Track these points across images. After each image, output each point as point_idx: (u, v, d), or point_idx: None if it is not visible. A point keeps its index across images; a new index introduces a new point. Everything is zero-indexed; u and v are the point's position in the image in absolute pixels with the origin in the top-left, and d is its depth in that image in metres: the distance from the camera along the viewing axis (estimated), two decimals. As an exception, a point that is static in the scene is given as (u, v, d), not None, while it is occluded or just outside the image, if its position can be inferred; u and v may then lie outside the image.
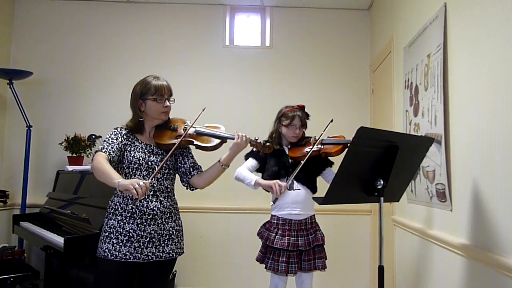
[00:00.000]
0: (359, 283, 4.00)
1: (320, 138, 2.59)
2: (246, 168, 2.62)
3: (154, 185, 2.12)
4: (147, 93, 2.13)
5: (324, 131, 2.56)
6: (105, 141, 2.09)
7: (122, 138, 2.12)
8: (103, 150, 2.02)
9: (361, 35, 4.27)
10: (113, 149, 2.04)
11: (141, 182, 1.80)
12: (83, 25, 4.28)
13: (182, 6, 4.30)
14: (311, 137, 2.70)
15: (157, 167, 2.14)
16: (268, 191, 2.58)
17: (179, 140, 2.13)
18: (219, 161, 2.22)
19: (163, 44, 4.27)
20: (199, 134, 2.22)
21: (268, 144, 2.28)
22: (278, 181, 2.46)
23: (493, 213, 1.75)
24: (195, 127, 2.21)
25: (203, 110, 2.19)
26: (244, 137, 2.19)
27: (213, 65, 4.25)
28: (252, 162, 2.64)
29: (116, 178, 1.85)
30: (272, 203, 2.50)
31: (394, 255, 3.20)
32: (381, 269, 1.88)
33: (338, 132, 2.68)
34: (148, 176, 2.11)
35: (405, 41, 2.96)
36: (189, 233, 3.67)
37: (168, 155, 2.09)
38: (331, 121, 2.54)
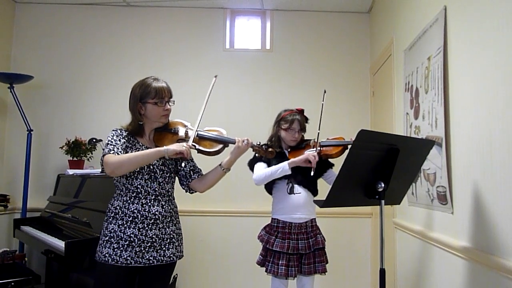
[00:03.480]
0: (360, 286, 3.99)
1: (320, 141, 2.60)
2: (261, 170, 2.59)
3: (156, 189, 2.12)
4: (147, 96, 2.10)
5: (322, 103, 2.59)
6: (108, 144, 2.05)
7: (124, 140, 2.10)
8: (111, 152, 1.99)
9: (361, 38, 4.27)
10: (119, 150, 2.02)
11: (185, 144, 2.04)
12: (84, 29, 4.30)
13: (182, 10, 4.31)
14: (310, 140, 2.70)
15: (159, 171, 2.13)
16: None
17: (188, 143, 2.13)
18: (220, 165, 2.23)
19: (163, 48, 4.27)
20: (201, 139, 2.21)
21: (270, 149, 2.28)
22: (309, 153, 2.48)
23: (494, 215, 1.75)
24: (197, 131, 2.21)
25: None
26: (246, 141, 2.20)
27: (214, 69, 4.25)
28: (262, 165, 2.61)
29: (159, 149, 2.02)
30: (312, 174, 2.46)
31: (395, 258, 3.19)
32: (382, 272, 1.88)
33: (338, 135, 2.69)
34: (150, 180, 2.11)
35: (405, 43, 2.96)
36: (190, 236, 3.68)
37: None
38: (325, 91, 2.61)
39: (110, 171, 1.96)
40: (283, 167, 2.50)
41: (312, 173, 2.47)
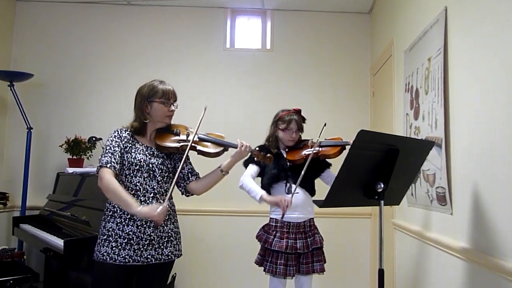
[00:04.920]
0: (359, 286, 3.99)
1: (318, 141, 2.60)
2: (250, 177, 2.59)
3: (154, 187, 2.13)
4: (155, 96, 2.17)
5: (319, 136, 2.59)
6: (107, 150, 2.07)
7: (122, 143, 2.13)
8: (108, 166, 2.01)
9: (362, 38, 4.27)
10: (116, 161, 2.05)
11: (159, 209, 1.92)
12: (84, 28, 4.29)
13: (182, 9, 4.31)
14: (308, 140, 2.71)
15: (158, 169, 2.15)
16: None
17: (187, 145, 2.15)
18: (219, 167, 2.25)
19: (164, 47, 4.27)
20: (202, 140, 2.25)
21: (269, 155, 2.31)
22: (283, 197, 2.45)
23: (493, 216, 1.75)
24: (198, 134, 2.23)
25: (205, 109, 2.21)
26: (246, 147, 2.23)
27: (214, 68, 4.26)
28: (254, 168, 2.63)
29: (135, 207, 1.94)
30: (280, 218, 2.48)
31: (394, 258, 3.19)
32: (381, 273, 1.88)
33: (338, 135, 2.70)
34: (149, 178, 2.12)
35: (405, 44, 2.96)
36: (189, 235, 3.68)
37: (182, 162, 2.13)
38: (325, 125, 2.57)
39: (99, 185, 2.02)
40: (256, 195, 2.50)
41: (280, 218, 2.48)
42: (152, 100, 2.17)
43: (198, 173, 2.34)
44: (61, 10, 4.29)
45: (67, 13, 4.29)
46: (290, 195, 2.53)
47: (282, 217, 2.45)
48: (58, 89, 4.21)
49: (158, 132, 2.24)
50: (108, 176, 1.98)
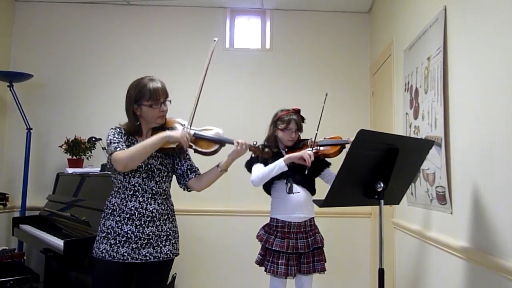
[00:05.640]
0: (359, 285, 3.99)
1: (317, 140, 2.61)
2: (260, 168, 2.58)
3: (153, 187, 2.12)
4: (142, 99, 2.09)
5: (323, 106, 2.62)
6: (112, 142, 2.05)
7: (125, 137, 2.13)
8: (118, 149, 2.01)
9: (361, 38, 4.27)
10: (124, 147, 2.04)
11: (187, 134, 2.09)
12: (83, 28, 4.30)
13: (182, 9, 4.31)
14: (307, 139, 2.70)
15: (157, 170, 2.14)
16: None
17: (184, 146, 2.13)
18: (217, 166, 2.24)
19: (163, 47, 4.27)
20: (198, 139, 2.21)
21: (266, 149, 2.29)
22: (305, 151, 2.50)
23: (493, 215, 1.75)
24: (194, 130, 2.21)
25: (215, 41, 2.37)
26: (244, 144, 2.19)
27: (213, 68, 4.19)
28: (261, 166, 2.59)
29: (163, 133, 2.06)
30: (306, 171, 2.51)
31: (394, 257, 3.19)
32: (381, 272, 1.88)
33: (338, 135, 2.70)
34: (148, 178, 2.11)
35: (405, 43, 2.96)
36: (189, 235, 3.68)
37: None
38: (326, 94, 2.65)
39: (122, 167, 1.99)
40: (279, 164, 2.49)
41: (306, 172, 2.51)
42: (140, 103, 2.10)
43: (198, 169, 2.32)
44: (61, 10, 4.29)
45: (67, 13, 4.29)
46: (291, 194, 2.54)
47: (307, 170, 2.50)
48: (57, 90, 4.22)
49: (154, 131, 2.19)
50: (123, 153, 1.98)
